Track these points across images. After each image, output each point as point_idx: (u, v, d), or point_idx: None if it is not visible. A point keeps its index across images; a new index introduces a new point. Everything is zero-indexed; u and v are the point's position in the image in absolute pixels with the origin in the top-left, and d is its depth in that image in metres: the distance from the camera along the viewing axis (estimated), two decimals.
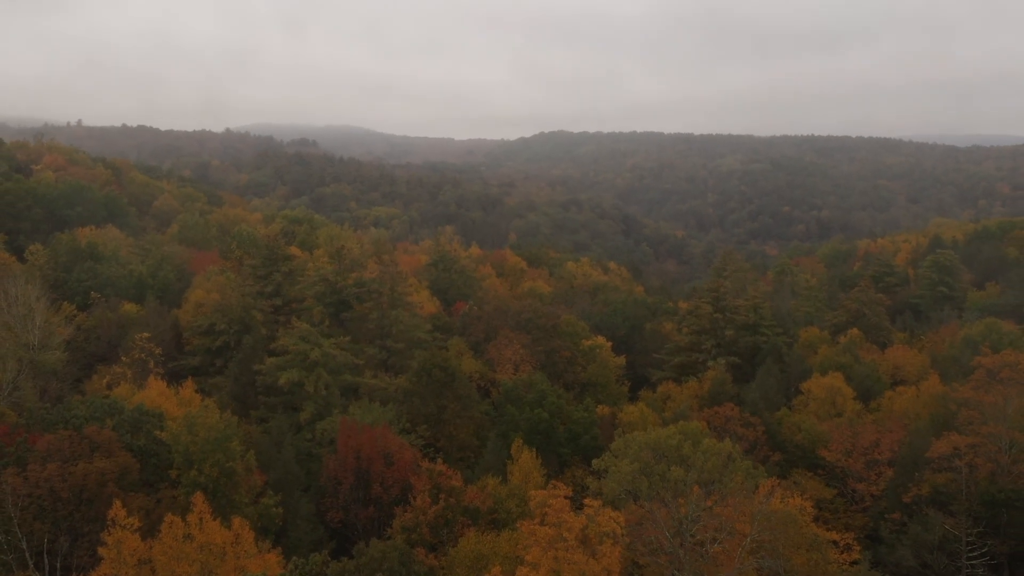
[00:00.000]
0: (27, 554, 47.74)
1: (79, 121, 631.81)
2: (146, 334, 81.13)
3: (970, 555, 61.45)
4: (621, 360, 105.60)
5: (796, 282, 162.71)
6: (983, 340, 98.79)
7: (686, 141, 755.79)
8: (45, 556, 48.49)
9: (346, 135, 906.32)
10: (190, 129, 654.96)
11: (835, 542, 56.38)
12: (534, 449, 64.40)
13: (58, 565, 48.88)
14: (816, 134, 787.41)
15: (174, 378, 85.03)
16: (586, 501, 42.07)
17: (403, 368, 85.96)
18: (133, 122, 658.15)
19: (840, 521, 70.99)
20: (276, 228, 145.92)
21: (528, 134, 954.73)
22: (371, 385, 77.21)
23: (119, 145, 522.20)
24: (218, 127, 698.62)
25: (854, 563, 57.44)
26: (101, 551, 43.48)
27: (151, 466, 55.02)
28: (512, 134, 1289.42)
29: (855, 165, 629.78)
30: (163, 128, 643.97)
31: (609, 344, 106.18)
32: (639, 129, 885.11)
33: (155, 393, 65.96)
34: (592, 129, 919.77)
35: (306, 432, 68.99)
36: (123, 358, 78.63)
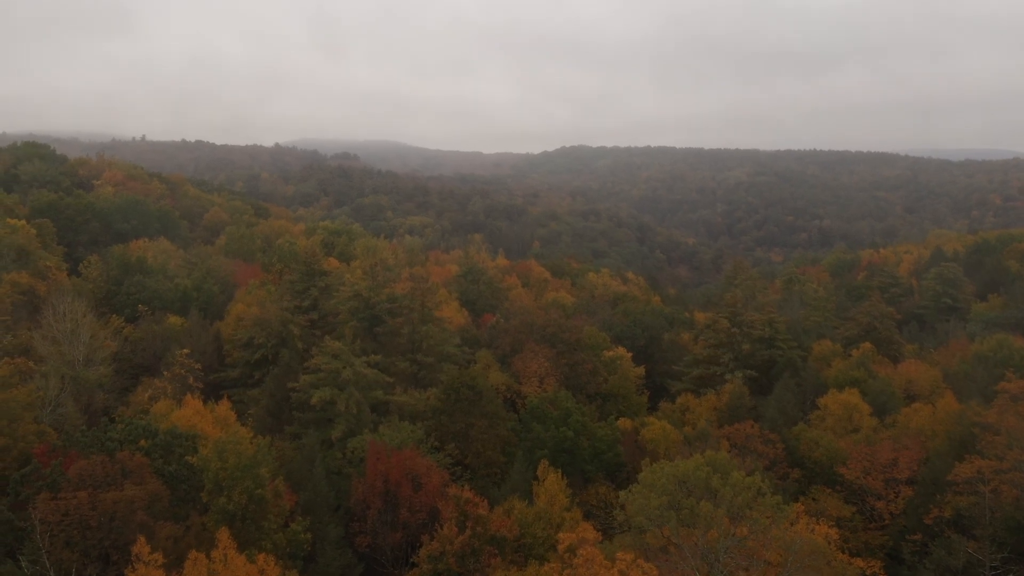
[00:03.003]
0: None
1: (143, 136, 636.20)
2: (186, 350, 77.19)
3: None
4: (640, 370, 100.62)
5: (804, 291, 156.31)
6: (995, 356, 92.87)
7: (697, 155, 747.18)
8: None
9: (384, 149, 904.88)
10: (243, 144, 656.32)
11: (862, 571, 51.56)
12: (559, 470, 59.65)
13: None
14: (818, 148, 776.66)
15: (215, 389, 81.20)
16: (619, 555, 36.95)
17: (432, 381, 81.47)
18: (191, 137, 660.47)
19: (859, 539, 65.94)
20: (316, 240, 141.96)
21: (551, 148, 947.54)
22: (401, 402, 72.63)
23: (179, 159, 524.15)
24: (268, 142, 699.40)
25: None
26: None
27: (181, 491, 50.73)
28: (536, 148, 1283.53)
29: (854, 177, 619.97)
30: (219, 143, 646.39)
31: (629, 355, 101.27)
32: (652, 144, 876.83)
33: (191, 412, 61.76)
34: (609, 144, 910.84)
35: (337, 450, 64.54)
36: (164, 373, 74.74)
